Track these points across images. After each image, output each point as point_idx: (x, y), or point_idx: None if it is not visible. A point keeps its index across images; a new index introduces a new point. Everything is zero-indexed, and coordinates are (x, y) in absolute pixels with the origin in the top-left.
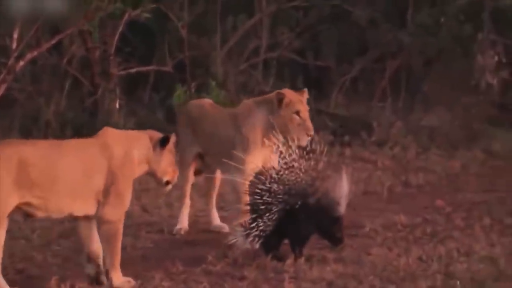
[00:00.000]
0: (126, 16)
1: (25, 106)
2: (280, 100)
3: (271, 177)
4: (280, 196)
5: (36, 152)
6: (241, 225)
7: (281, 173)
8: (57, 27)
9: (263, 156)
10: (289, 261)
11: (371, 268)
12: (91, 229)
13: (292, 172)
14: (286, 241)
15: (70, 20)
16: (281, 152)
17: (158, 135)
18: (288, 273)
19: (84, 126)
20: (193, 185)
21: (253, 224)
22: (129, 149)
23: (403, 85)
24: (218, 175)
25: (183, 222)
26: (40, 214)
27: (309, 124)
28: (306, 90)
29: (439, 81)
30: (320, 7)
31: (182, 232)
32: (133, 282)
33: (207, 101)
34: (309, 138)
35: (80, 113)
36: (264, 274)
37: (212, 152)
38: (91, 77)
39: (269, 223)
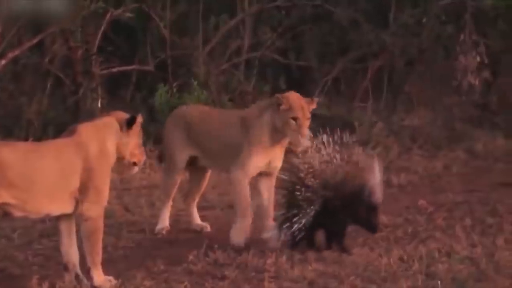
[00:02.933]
0: (108, 15)
1: (7, 105)
2: (279, 104)
3: (309, 172)
4: (319, 190)
5: (13, 154)
6: (274, 220)
7: (319, 167)
8: (39, 26)
9: (270, 157)
10: (270, 260)
11: (352, 268)
12: (72, 236)
13: (328, 165)
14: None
15: (52, 19)
16: (319, 149)
17: (124, 116)
18: (269, 272)
19: (66, 125)
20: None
21: (295, 219)
22: (103, 142)
23: (385, 85)
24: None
25: (165, 222)
26: (17, 213)
27: (304, 131)
28: (316, 99)
29: (421, 81)
30: (302, 7)
31: (164, 232)
32: (114, 281)
33: (204, 106)
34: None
35: (62, 112)
36: (245, 273)
37: (212, 154)
38: (73, 76)
39: (308, 217)
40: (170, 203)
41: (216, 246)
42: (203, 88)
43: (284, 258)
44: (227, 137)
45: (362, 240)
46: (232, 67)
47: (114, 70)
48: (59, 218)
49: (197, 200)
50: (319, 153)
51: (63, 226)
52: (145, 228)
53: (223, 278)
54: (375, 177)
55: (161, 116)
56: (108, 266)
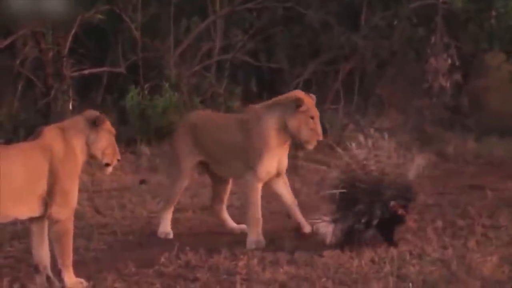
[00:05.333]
0: (79, 17)
1: None
2: (299, 104)
3: (366, 170)
4: (372, 186)
5: None
6: (325, 215)
7: (374, 165)
8: (10, 28)
9: (278, 157)
10: (242, 262)
11: (324, 270)
12: (43, 238)
13: (377, 162)
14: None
15: (24, 20)
16: (371, 147)
17: (93, 114)
18: (240, 275)
19: (37, 128)
20: (146, 187)
21: (354, 217)
22: (69, 143)
23: (356, 88)
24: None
25: (168, 227)
26: None
27: (320, 129)
28: (314, 95)
29: (392, 83)
30: (273, 9)
31: (171, 236)
32: (85, 283)
33: (210, 111)
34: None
35: (33, 115)
36: (216, 276)
37: (219, 159)
38: (44, 79)
39: (365, 213)
40: (172, 208)
41: (188, 248)
42: (174, 90)
43: (255, 260)
44: (226, 142)
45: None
46: (203, 69)
47: (85, 72)
48: (30, 220)
49: (225, 203)
50: (372, 151)
51: (35, 228)
52: (116, 230)
53: (194, 280)
54: (414, 172)
55: (132, 118)
56: (79, 268)
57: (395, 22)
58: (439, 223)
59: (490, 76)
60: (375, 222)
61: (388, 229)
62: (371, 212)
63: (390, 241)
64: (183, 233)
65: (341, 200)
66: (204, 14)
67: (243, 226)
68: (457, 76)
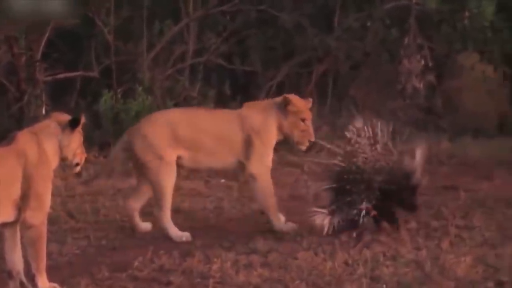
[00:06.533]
0: (52, 21)
1: None
2: (286, 103)
3: (363, 159)
4: (375, 176)
5: None
6: (321, 206)
7: (371, 155)
8: None
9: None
10: (216, 266)
11: (297, 272)
12: (16, 242)
13: (375, 152)
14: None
15: None
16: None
17: (66, 117)
18: (214, 278)
19: (10, 132)
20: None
21: (351, 205)
22: (41, 147)
23: (330, 90)
24: None
25: (176, 229)
26: None
27: (312, 131)
28: (311, 99)
29: (365, 85)
30: (247, 12)
31: (189, 238)
32: (59, 287)
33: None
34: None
35: (6, 120)
36: (190, 279)
37: (208, 152)
38: (17, 83)
39: (365, 202)
40: (169, 210)
41: (161, 252)
42: (148, 94)
43: (229, 263)
44: (223, 137)
45: (307, 245)
46: (176, 73)
47: (59, 76)
48: (3, 225)
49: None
50: (372, 142)
51: (7, 233)
52: (89, 235)
53: (168, 284)
54: (418, 162)
55: (106, 122)
56: (52, 273)
57: (369, 24)
58: (413, 224)
59: (464, 76)
60: (369, 209)
61: (389, 211)
62: (364, 200)
63: (394, 223)
64: (156, 236)
65: (334, 193)
66: (178, 17)
67: (148, 225)
68: (431, 77)
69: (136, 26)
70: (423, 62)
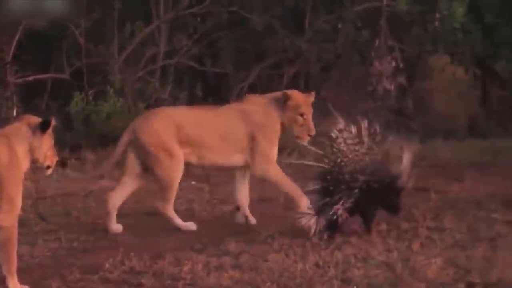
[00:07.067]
0: (23, 23)
1: None
2: (286, 99)
3: (347, 159)
4: (358, 176)
5: None
6: (308, 207)
7: (355, 155)
8: None
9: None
10: (186, 267)
11: (268, 274)
12: None
13: (363, 153)
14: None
15: None
16: (355, 137)
17: (36, 120)
18: (185, 280)
19: None
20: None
21: (334, 205)
22: (12, 149)
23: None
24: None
25: (180, 221)
26: None
27: (311, 125)
28: (313, 93)
29: (337, 87)
30: (218, 14)
31: (194, 227)
32: None
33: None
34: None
35: None
36: (161, 281)
37: (213, 149)
38: None
39: (349, 203)
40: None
41: (132, 254)
42: (119, 96)
43: (200, 265)
44: (226, 131)
45: (277, 246)
46: (147, 75)
47: (30, 78)
48: None
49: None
50: (355, 142)
51: None
52: (60, 237)
53: (139, 286)
54: (404, 164)
55: (77, 124)
56: (23, 275)
57: (340, 25)
58: (384, 226)
59: (435, 78)
60: (339, 210)
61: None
62: (341, 201)
63: (394, 211)
64: (127, 238)
65: (318, 193)
66: (148, 19)
67: (120, 227)
68: (401, 79)
69: (107, 28)
70: (394, 63)
